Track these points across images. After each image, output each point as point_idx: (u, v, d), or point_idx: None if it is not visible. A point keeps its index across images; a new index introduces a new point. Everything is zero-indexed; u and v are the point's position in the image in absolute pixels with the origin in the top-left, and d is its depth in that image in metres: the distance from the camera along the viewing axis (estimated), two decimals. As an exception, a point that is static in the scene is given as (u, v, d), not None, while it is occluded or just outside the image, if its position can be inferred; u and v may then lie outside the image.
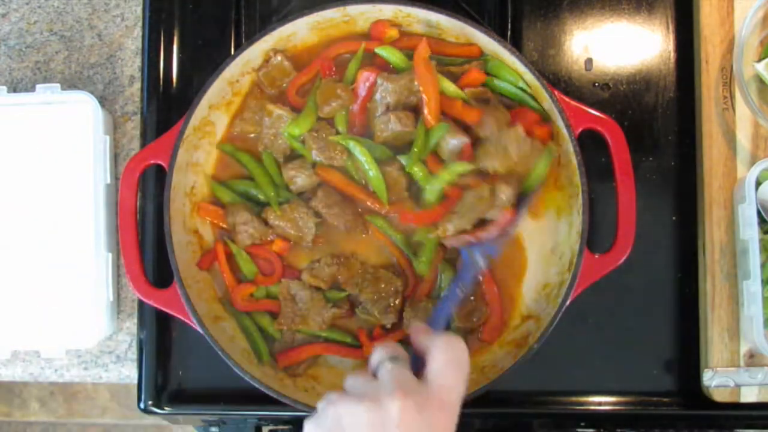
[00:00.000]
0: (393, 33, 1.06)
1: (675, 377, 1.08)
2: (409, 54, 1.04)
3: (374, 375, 0.74)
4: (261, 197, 1.06)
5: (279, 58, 1.06)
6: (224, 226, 1.06)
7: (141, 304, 1.11)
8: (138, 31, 1.18)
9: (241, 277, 1.06)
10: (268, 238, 1.05)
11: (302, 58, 1.08)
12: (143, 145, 1.13)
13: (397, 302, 1.04)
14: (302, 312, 1.03)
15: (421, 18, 1.04)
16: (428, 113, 1.01)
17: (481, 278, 1.04)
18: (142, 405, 1.10)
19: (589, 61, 1.13)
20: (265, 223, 1.05)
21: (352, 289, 1.05)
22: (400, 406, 0.66)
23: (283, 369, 1.04)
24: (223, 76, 1.03)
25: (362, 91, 1.03)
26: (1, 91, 1.11)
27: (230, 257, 1.06)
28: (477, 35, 1.03)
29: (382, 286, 1.04)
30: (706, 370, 1.04)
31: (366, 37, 1.07)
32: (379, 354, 0.74)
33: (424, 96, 1.01)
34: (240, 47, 1.03)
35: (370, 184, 1.03)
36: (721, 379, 1.03)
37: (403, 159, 1.02)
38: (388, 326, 1.04)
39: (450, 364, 0.72)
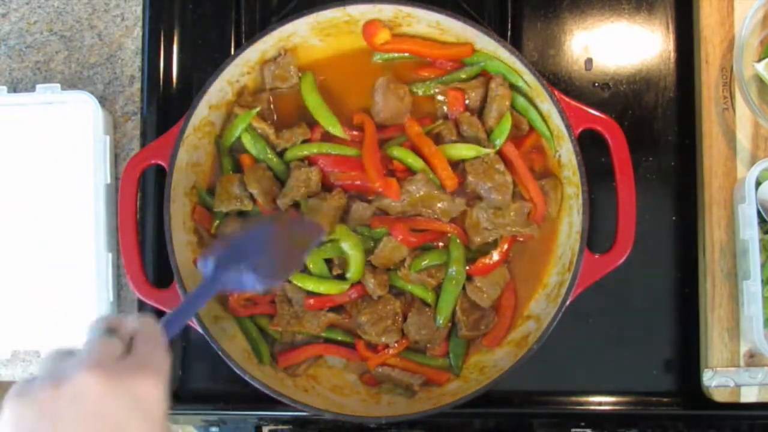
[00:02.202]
0: (385, 35, 1.06)
1: (675, 377, 1.08)
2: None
3: None
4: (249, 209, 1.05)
5: (289, 58, 1.06)
6: (213, 233, 1.06)
7: (141, 304, 1.10)
8: (138, 31, 1.18)
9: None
10: None
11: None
12: (143, 145, 1.13)
13: (397, 323, 1.04)
14: (298, 314, 1.03)
15: (422, 18, 1.04)
16: (444, 179, 1.03)
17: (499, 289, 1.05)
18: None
19: (589, 61, 1.13)
20: None
21: (351, 310, 1.05)
22: (90, 376, 0.60)
23: (283, 369, 1.04)
24: (223, 76, 1.03)
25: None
26: (1, 91, 1.11)
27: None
28: (477, 35, 1.03)
29: (380, 307, 1.03)
30: (706, 370, 1.04)
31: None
32: (91, 326, 0.68)
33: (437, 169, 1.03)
34: (240, 47, 1.03)
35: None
36: (721, 379, 1.03)
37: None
38: (393, 344, 1.04)
39: (145, 335, 0.67)
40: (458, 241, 1.03)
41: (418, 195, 1.02)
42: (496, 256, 1.03)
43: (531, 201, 1.04)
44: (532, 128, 1.06)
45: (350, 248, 1.02)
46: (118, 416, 0.60)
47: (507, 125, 1.03)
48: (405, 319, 1.04)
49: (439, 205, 1.02)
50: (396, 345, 1.04)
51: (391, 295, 1.04)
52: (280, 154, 1.06)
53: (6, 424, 0.60)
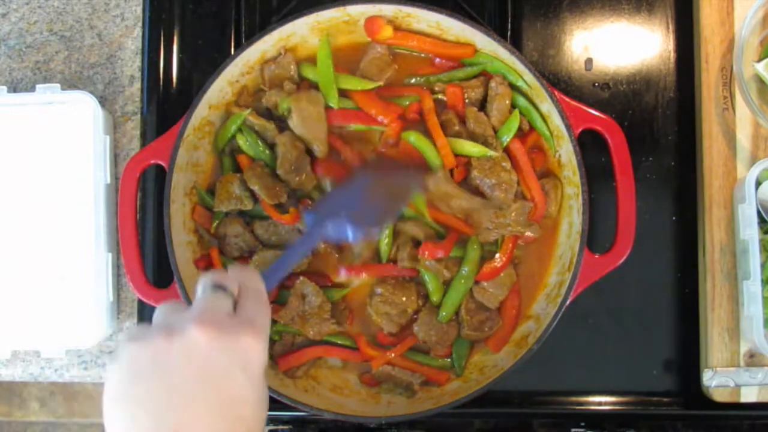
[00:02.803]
0: (388, 32, 1.06)
1: (675, 377, 1.08)
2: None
3: None
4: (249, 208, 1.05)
5: (289, 57, 1.06)
6: (215, 233, 1.06)
7: (141, 304, 1.11)
8: (138, 31, 1.18)
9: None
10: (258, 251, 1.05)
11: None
12: (143, 145, 1.13)
13: (401, 318, 1.04)
14: (305, 315, 1.03)
15: (422, 18, 1.04)
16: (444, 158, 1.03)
17: (507, 293, 1.05)
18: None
19: (589, 61, 1.13)
20: (255, 236, 1.05)
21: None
22: (200, 331, 0.64)
23: (283, 373, 1.04)
24: (223, 76, 1.03)
25: None
26: (1, 91, 1.11)
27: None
28: (477, 35, 1.03)
29: (397, 293, 1.03)
30: (706, 370, 1.04)
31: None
32: (202, 282, 0.72)
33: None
34: (240, 47, 1.03)
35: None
36: (721, 379, 1.03)
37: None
38: (393, 332, 1.04)
39: (251, 293, 0.72)
40: (477, 242, 1.03)
41: (436, 191, 1.02)
42: (500, 260, 1.03)
43: (532, 200, 1.04)
44: (531, 128, 1.06)
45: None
46: (223, 369, 0.65)
47: (515, 123, 1.03)
48: (415, 319, 1.04)
49: (453, 203, 1.03)
50: (401, 343, 1.04)
51: (415, 293, 1.04)
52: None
53: (121, 363, 0.65)
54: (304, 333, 1.03)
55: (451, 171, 1.04)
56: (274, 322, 1.03)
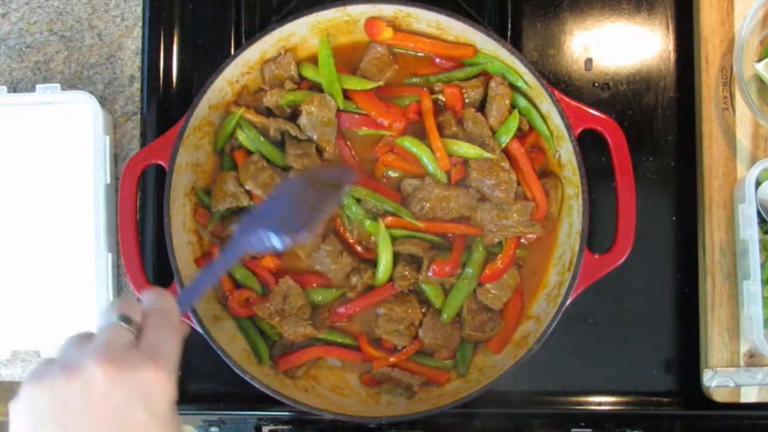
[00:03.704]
0: (388, 33, 1.06)
1: (675, 377, 1.08)
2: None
3: None
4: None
5: (289, 57, 1.06)
6: (216, 233, 1.06)
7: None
8: (138, 31, 1.18)
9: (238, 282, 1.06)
10: (259, 255, 1.05)
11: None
12: (143, 145, 1.13)
13: (410, 331, 1.04)
14: (284, 313, 1.03)
15: (421, 18, 1.04)
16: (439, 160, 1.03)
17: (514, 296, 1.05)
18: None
19: (589, 61, 1.13)
20: None
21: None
22: (98, 368, 0.61)
23: (283, 373, 1.04)
24: (223, 76, 1.03)
25: None
26: (1, 91, 1.11)
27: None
28: (477, 35, 1.03)
29: (400, 309, 1.03)
30: (706, 370, 1.04)
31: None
32: (106, 312, 0.68)
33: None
34: (240, 47, 1.03)
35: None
36: (721, 379, 1.03)
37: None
38: (406, 344, 1.04)
39: (155, 319, 0.68)
40: (482, 244, 1.03)
41: (432, 198, 1.02)
42: (502, 261, 1.03)
43: (533, 200, 1.04)
44: (531, 128, 1.06)
45: (382, 245, 1.02)
46: (123, 407, 0.62)
47: (514, 123, 1.03)
48: (420, 325, 1.04)
49: (452, 204, 1.03)
50: (405, 349, 1.04)
51: (417, 303, 1.04)
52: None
53: (21, 405, 0.63)
54: (280, 329, 1.03)
55: (448, 173, 1.04)
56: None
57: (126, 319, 0.67)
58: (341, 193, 0.98)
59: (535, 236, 1.04)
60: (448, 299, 1.04)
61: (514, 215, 1.02)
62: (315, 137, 1.04)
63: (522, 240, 1.05)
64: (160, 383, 0.63)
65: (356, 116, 1.05)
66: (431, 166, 1.04)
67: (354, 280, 1.04)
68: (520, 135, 1.05)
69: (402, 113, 1.05)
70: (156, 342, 0.66)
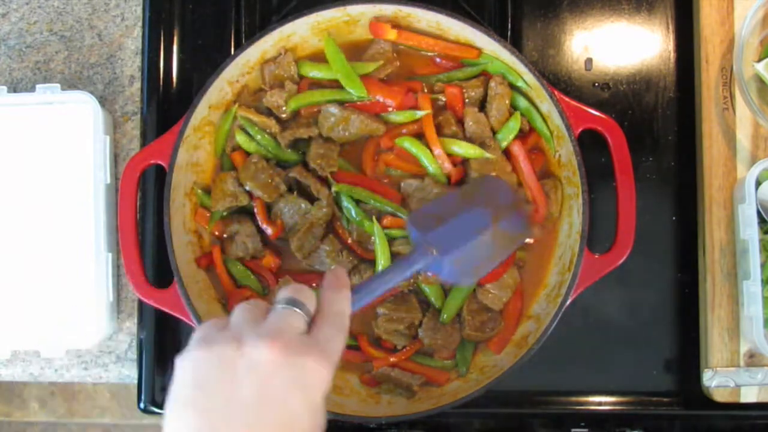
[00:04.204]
0: (392, 35, 1.06)
1: (675, 377, 1.08)
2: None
3: None
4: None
5: (289, 57, 1.06)
6: (217, 233, 1.06)
7: (141, 304, 1.11)
8: (138, 31, 1.18)
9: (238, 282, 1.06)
10: (260, 255, 1.05)
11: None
12: (143, 145, 1.13)
13: (410, 332, 1.04)
14: None
15: (421, 18, 1.04)
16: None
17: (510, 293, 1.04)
18: (142, 405, 1.10)
19: (589, 61, 1.13)
20: (264, 242, 1.05)
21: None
22: (268, 347, 0.64)
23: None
24: (223, 76, 1.03)
25: None
26: (1, 91, 1.11)
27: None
28: (477, 35, 1.03)
29: (401, 309, 1.03)
30: (706, 370, 1.04)
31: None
32: (279, 294, 0.71)
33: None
34: (240, 47, 1.03)
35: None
36: (721, 379, 1.03)
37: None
38: (406, 344, 1.04)
39: (331, 317, 0.71)
40: None
41: (432, 197, 1.02)
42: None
43: (533, 201, 1.04)
44: (531, 129, 1.06)
45: (378, 244, 1.02)
46: (283, 389, 0.64)
47: (515, 124, 1.04)
48: (420, 325, 1.04)
49: None
50: (405, 349, 1.04)
51: (417, 303, 1.04)
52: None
53: (188, 363, 0.66)
54: None
55: (448, 175, 1.04)
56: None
57: (300, 304, 0.69)
58: (514, 249, 0.97)
59: (531, 240, 1.04)
60: (448, 300, 1.04)
61: None
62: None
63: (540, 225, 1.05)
64: (321, 375, 0.66)
65: (358, 103, 1.05)
66: (431, 167, 1.04)
67: (353, 279, 1.04)
68: (521, 135, 1.05)
69: (405, 91, 1.05)
70: (326, 336, 0.69)
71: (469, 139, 1.04)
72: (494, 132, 1.05)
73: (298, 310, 0.69)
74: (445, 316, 1.03)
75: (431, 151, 1.03)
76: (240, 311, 0.70)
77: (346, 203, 1.03)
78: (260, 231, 1.05)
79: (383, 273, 0.81)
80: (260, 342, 0.65)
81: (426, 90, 1.06)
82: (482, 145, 1.03)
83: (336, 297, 0.73)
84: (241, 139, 1.05)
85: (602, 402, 1.08)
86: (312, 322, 0.70)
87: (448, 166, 1.03)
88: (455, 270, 0.85)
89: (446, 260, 0.84)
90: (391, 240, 1.03)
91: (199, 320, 0.98)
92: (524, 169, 1.04)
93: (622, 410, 1.08)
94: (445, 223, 0.88)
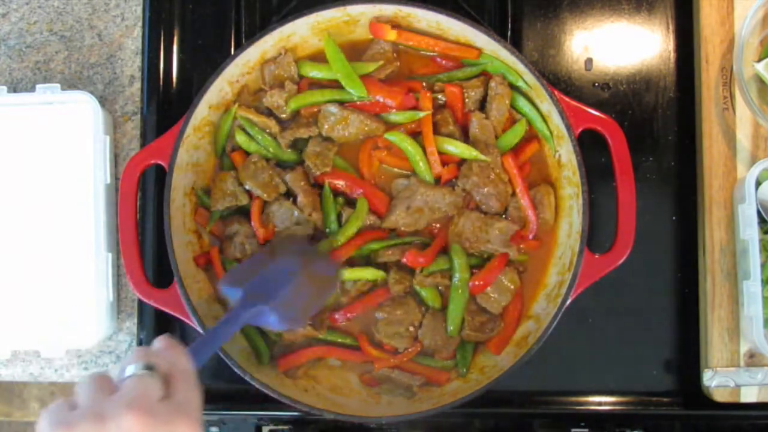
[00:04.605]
0: (392, 36, 1.06)
1: (675, 377, 1.08)
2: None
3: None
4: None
5: (289, 57, 1.06)
6: (216, 233, 1.06)
7: (141, 304, 1.11)
8: (138, 31, 1.18)
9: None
10: None
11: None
12: (143, 145, 1.13)
13: (410, 333, 1.04)
14: None
15: (421, 18, 1.04)
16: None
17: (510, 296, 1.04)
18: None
19: (589, 61, 1.13)
20: (262, 243, 1.05)
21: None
22: (134, 420, 0.61)
23: (283, 372, 1.04)
24: (223, 76, 1.03)
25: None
26: (1, 91, 1.11)
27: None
28: (477, 35, 1.03)
29: (399, 312, 1.03)
30: (706, 370, 1.04)
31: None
32: (131, 359, 0.68)
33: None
34: (240, 47, 1.03)
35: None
36: (721, 379, 1.03)
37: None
38: (407, 347, 1.04)
39: (182, 374, 0.69)
40: (459, 248, 1.03)
41: (418, 197, 1.02)
42: (479, 280, 1.03)
43: (523, 214, 1.04)
44: (529, 139, 1.06)
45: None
46: None
47: (521, 128, 1.04)
48: (420, 327, 1.04)
49: (438, 203, 1.03)
50: (406, 351, 1.04)
51: (415, 304, 1.04)
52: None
53: None
54: (278, 331, 1.03)
55: (438, 177, 1.05)
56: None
57: (151, 368, 0.67)
58: (333, 289, 1.02)
59: (508, 255, 1.04)
60: (449, 310, 1.03)
61: (496, 231, 1.02)
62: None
63: (520, 245, 1.05)
64: (188, 428, 0.64)
65: (358, 103, 1.06)
66: (420, 164, 1.04)
67: (348, 285, 1.04)
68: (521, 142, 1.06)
69: (405, 92, 1.05)
70: (185, 396, 0.67)
71: (471, 143, 1.04)
72: (497, 136, 1.05)
73: (151, 373, 0.66)
74: (451, 327, 1.03)
75: (425, 150, 1.03)
76: (86, 387, 0.65)
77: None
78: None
79: (213, 330, 0.82)
80: (124, 413, 0.61)
81: (426, 89, 1.06)
82: (484, 149, 1.03)
83: (176, 356, 0.71)
84: (240, 139, 1.05)
85: (602, 402, 1.08)
86: (166, 386, 0.67)
87: (437, 167, 1.03)
88: (282, 316, 0.89)
89: (269, 308, 0.88)
90: (376, 251, 1.04)
91: (200, 320, 0.98)
92: (514, 180, 1.04)
93: (622, 410, 1.08)
94: (256, 275, 0.93)
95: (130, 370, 0.67)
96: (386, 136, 1.04)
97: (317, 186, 1.05)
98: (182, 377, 0.69)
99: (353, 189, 1.05)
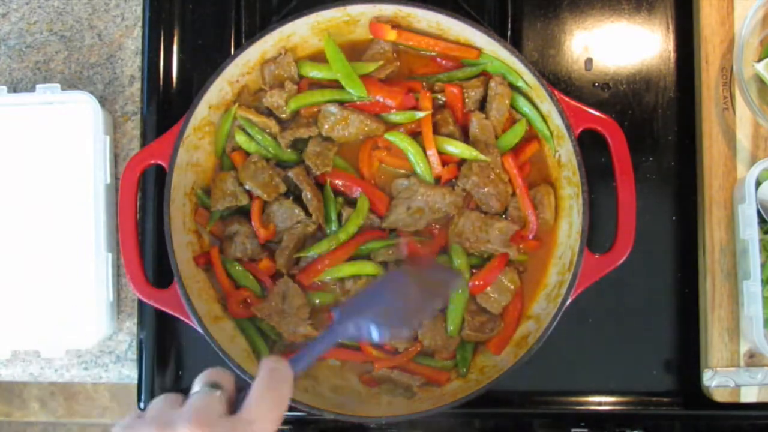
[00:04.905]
0: (391, 36, 1.06)
1: (675, 377, 1.08)
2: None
3: None
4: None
5: (289, 57, 1.06)
6: (216, 233, 1.06)
7: (141, 304, 1.11)
8: (138, 31, 1.18)
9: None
10: (258, 257, 1.05)
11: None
12: (143, 145, 1.13)
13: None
14: (283, 313, 1.03)
15: (421, 18, 1.04)
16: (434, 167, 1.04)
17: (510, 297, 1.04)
18: (142, 405, 1.10)
19: (589, 61, 1.13)
20: (262, 245, 1.05)
21: None
22: (196, 428, 0.64)
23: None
24: (223, 76, 1.03)
25: None
26: (1, 91, 1.11)
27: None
28: (477, 35, 1.03)
29: None
30: (706, 370, 1.04)
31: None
32: (199, 379, 0.72)
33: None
34: (240, 47, 1.03)
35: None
36: (721, 379, 1.03)
37: None
38: (408, 346, 1.04)
39: (265, 398, 0.70)
40: (459, 248, 1.03)
41: (419, 197, 1.02)
42: (488, 274, 1.03)
43: (523, 214, 1.04)
44: (529, 139, 1.06)
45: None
46: None
47: (522, 128, 1.04)
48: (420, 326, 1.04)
49: (438, 204, 1.03)
50: (406, 351, 1.04)
51: None
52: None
53: None
54: (279, 329, 1.03)
55: (438, 177, 1.05)
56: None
57: (217, 386, 0.70)
58: (446, 295, 1.00)
59: (508, 255, 1.04)
60: (449, 310, 1.03)
61: (496, 232, 1.02)
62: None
63: (520, 245, 1.05)
64: None
65: (358, 103, 1.06)
66: (419, 164, 1.04)
67: (348, 284, 1.04)
68: (521, 142, 1.06)
69: (405, 92, 1.05)
70: (256, 413, 0.69)
71: (472, 143, 1.04)
72: (496, 136, 1.05)
73: (216, 391, 0.69)
74: (451, 327, 1.03)
75: (425, 150, 1.03)
76: (157, 401, 0.70)
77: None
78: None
79: (313, 344, 0.82)
80: (182, 424, 0.65)
81: (426, 89, 1.06)
82: (483, 149, 1.03)
83: (273, 364, 0.73)
84: (240, 139, 1.05)
85: (602, 402, 1.08)
86: (242, 402, 0.70)
87: (438, 167, 1.03)
88: (383, 324, 0.86)
89: (366, 319, 0.86)
90: (375, 251, 1.04)
91: (199, 320, 0.98)
92: (514, 181, 1.04)
93: (622, 410, 1.08)
94: (359, 295, 0.95)
95: (196, 387, 0.71)
96: (386, 136, 1.04)
97: (317, 186, 1.05)
98: (262, 395, 0.70)
99: (353, 189, 1.05)
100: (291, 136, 1.05)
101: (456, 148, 1.03)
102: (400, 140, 1.04)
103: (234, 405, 0.70)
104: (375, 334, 0.85)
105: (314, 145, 1.04)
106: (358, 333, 0.85)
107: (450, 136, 1.04)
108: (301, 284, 1.03)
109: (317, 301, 1.05)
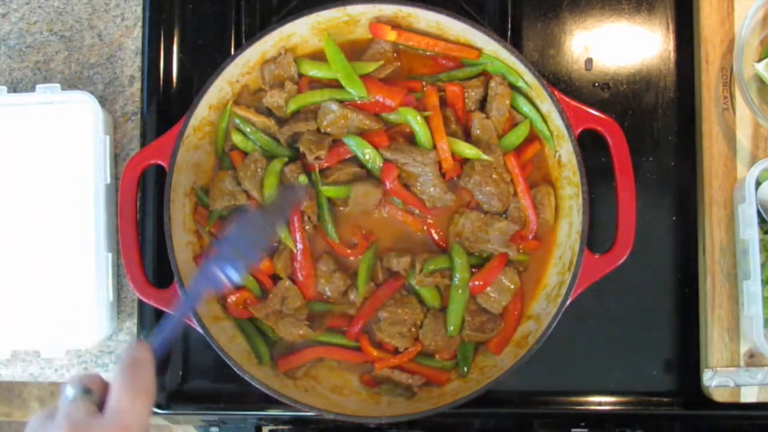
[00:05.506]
0: (391, 36, 1.06)
1: (675, 377, 1.08)
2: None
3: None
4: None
5: (289, 57, 1.06)
6: (216, 233, 1.06)
7: (141, 304, 1.10)
8: (138, 31, 1.18)
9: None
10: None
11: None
12: (143, 145, 1.13)
13: (412, 333, 1.04)
14: (281, 314, 1.03)
15: (421, 18, 1.04)
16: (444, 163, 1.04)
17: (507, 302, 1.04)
18: (142, 405, 1.10)
19: (589, 61, 1.13)
20: None
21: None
22: None
23: (283, 373, 1.04)
24: (223, 76, 1.03)
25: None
26: (1, 91, 1.11)
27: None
28: (477, 35, 1.03)
29: (401, 311, 1.03)
30: (706, 370, 1.04)
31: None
32: (67, 387, 0.73)
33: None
34: (240, 47, 1.03)
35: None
36: (721, 379, 1.03)
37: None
38: (409, 346, 1.04)
39: (125, 388, 0.71)
40: (460, 248, 1.03)
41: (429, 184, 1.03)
42: (487, 273, 1.03)
43: (524, 214, 1.04)
44: (530, 140, 1.06)
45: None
46: None
47: (524, 131, 1.04)
48: (421, 326, 1.04)
49: (432, 190, 1.03)
50: (407, 350, 1.04)
51: (417, 303, 1.04)
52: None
53: None
54: (276, 329, 1.03)
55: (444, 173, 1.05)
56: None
57: (85, 390, 0.71)
58: (288, 210, 1.01)
59: (507, 254, 1.04)
60: (449, 310, 1.03)
61: (496, 231, 1.02)
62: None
63: (520, 245, 1.05)
64: None
65: (358, 103, 1.06)
66: (427, 146, 1.04)
67: (352, 297, 1.04)
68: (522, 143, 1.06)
69: (405, 91, 1.05)
70: (120, 407, 0.70)
71: (473, 143, 1.04)
72: (498, 137, 1.05)
73: (84, 395, 0.71)
74: (451, 327, 1.03)
75: (435, 144, 1.03)
76: (32, 421, 0.72)
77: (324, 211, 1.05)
78: None
79: (167, 316, 0.83)
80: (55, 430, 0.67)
81: (426, 88, 1.06)
82: (486, 149, 1.03)
83: (129, 350, 0.74)
84: (236, 138, 1.05)
85: (602, 402, 1.08)
86: (99, 403, 0.71)
87: (449, 161, 1.03)
88: (240, 264, 0.87)
89: (223, 267, 0.86)
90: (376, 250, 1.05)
91: (199, 320, 0.98)
92: (515, 181, 1.04)
93: (622, 410, 1.08)
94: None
95: (65, 395, 0.72)
96: (400, 111, 1.04)
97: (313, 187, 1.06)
98: (122, 387, 0.71)
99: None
100: (290, 131, 1.05)
101: (458, 146, 1.03)
102: (405, 113, 1.03)
103: (105, 404, 0.71)
104: (234, 276, 0.86)
105: (310, 135, 1.04)
106: (211, 282, 0.86)
107: (453, 135, 1.04)
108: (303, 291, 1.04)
109: (317, 307, 1.05)
